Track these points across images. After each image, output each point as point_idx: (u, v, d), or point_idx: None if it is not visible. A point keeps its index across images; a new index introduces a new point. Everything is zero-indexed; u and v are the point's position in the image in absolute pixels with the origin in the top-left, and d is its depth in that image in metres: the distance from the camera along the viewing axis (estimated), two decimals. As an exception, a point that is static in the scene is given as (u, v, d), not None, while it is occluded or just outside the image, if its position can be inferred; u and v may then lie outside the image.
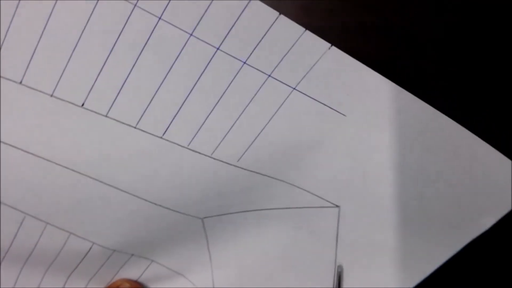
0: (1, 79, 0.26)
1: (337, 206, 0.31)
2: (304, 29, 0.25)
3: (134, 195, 0.30)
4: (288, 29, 0.25)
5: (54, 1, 0.24)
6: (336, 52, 0.26)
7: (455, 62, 0.27)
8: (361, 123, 0.28)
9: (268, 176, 0.30)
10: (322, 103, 0.27)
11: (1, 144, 0.28)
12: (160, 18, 0.25)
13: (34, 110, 0.27)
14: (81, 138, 0.28)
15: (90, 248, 0.32)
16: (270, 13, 0.25)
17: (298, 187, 0.31)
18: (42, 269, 0.33)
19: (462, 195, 0.30)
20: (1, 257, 0.32)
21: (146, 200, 0.30)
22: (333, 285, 0.32)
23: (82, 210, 0.30)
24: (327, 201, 0.31)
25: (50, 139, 0.28)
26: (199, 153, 0.29)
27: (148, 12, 0.25)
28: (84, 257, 0.33)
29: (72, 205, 0.30)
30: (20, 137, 0.27)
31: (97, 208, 0.30)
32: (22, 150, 0.28)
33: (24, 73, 0.26)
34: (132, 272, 0.35)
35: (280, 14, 0.25)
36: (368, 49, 0.27)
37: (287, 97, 0.27)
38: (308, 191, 0.31)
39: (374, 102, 0.27)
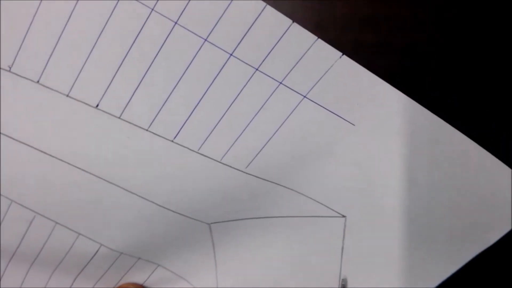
0: (20, 78, 0.27)
1: (343, 216, 0.31)
2: (316, 37, 0.25)
3: (143, 198, 0.30)
4: (301, 37, 0.26)
5: (74, 2, 0.25)
6: (347, 61, 0.26)
7: (463, 74, 0.28)
8: (370, 133, 0.28)
9: (276, 183, 0.31)
10: (332, 112, 0.28)
11: (15, 142, 0.28)
12: (176, 23, 0.25)
13: (49, 110, 0.27)
14: (94, 138, 0.28)
15: (98, 250, 0.32)
16: (284, 20, 0.25)
17: (305, 196, 0.31)
18: (49, 269, 0.34)
19: (468, 208, 0.30)
20: (10, 256, 0.33)
21: (154, 203, 0.31)
22: None
23: (91, 211, 0.31)
24: (333, 210, 0.31)
25: (64, 139, 0.28)
26: (209, 157, 0.29)
27: (164, 16, 0.25)
28: (91, 258, 0.33)
29: (82, 206, 0.31)
30: (34, 135, 0.28)
31: (107, 209, 0.31)
32: (35, 148, 0.28)
33: (42, 73, 0.26)
34: (138, 276, 0.35)
35: (293, 22, 0.25)
36: (380, 65, 0.27)
37: (298, 104, 0.28)
38: (315, 200, 0.31)
39: (383, 112, 0.28)
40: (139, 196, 0.30)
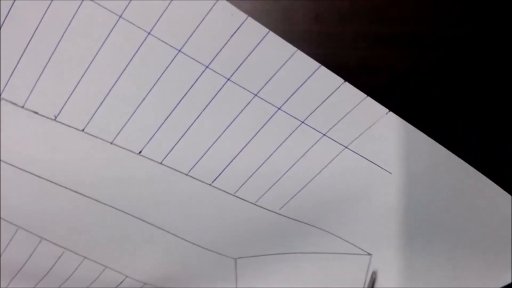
0: (64, 126, 0.26)
1: (369, 254, 0.32)
2: (365, 95, 0.25)
3: (175, 235, 0.31)
4: (350, 94, 0.26)
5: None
6: (392, 117, 0.26)
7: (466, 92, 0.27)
8: (405, 181, 0.29)
9: (307, 224, 0.31)
10: (371, 162, 0.28)
11: (53, 184, 0.28)
12: (228, 79, 0.25)
13: (92, 156, 0.27)
14: (136, 184, 0.28)
15: (123, 281, 0.32)
16: (336, 79, 0.25)
17: (335, 235, 0.31)
18: None
19: (491, 253, 0.31)
20: (34, 285, 0.33)
21: (185, 240, 0.31)
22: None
23: (122, 246, 0.31)
24: (360, 248, 0.32)
25: (106, 184, 0.28)
26: (244, 200, 0.29)
27: (217, 72, 0.25)
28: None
29: (112, 242, 0.31)
30: (74, 180, 0.28)
31: (137, 245, 0.31)
32: (72, 190, 0.28)
33: (88, 122, 0.26)
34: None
35: (344, 81, 0.25)
36: (379, 57, 0.26)
37: (338, 154, 0.28)
38: (343, 239, 0.31)
39: (420, 162, 0.28)
40: (172, 233, 0.30)
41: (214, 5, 0.23)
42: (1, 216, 0.30)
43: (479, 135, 0.28)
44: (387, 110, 0.26)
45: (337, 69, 0.25)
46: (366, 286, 0.32)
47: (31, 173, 0.28)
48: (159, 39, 0.24)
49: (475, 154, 0.28)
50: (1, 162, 0.28)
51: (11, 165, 0.28)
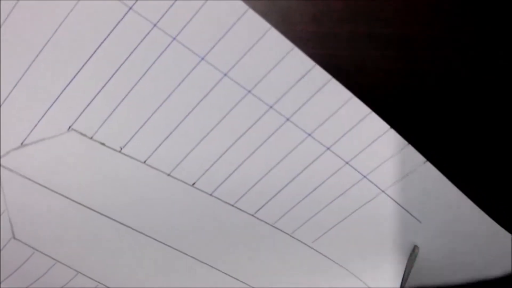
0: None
1: (389, 300, 0.33)
2: (406, 142, 0.28)
3: (207, 264, 0.32)
4: (393, 141, 0.28)
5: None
6: (429, 167, 0.29)
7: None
8: (433, 231, 0.31)
9: (333, 261, 0.32)
10: (404, 209, 0.30)
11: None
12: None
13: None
14: (186, 215, 0.30)
15: None
16: (382, 126, 0.28)
17: (357, 277, 0.33)
18: None
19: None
20: None
21: (213, 267, 0.33)
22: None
23: (151, 275, 0.33)
24: (381, 293, 0.33)
25: (160, 217, 0.31)
26: (281, 231, 0.31)
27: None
28: None
29: (149, 271, 0.33)
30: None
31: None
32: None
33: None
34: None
35: (390, 128, 0.28)
36: (374, 57, 0.28)
37: (374, 198, 0.30)
38: (364, 283, 0.33)
39: (450, 214, 0.30)
40: (203, 262, 0.32)
41: (288, 53, 0.25)
42: (42, 250, 0.32)
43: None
44: (424, 159, 0.28)
45: (334, 70, 0.26)
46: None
47: (83, 205, 0.30)
48: (233, 80, 0.26)
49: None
50: (58, 195, 0.30)
51: (65, 197, 0.30)
